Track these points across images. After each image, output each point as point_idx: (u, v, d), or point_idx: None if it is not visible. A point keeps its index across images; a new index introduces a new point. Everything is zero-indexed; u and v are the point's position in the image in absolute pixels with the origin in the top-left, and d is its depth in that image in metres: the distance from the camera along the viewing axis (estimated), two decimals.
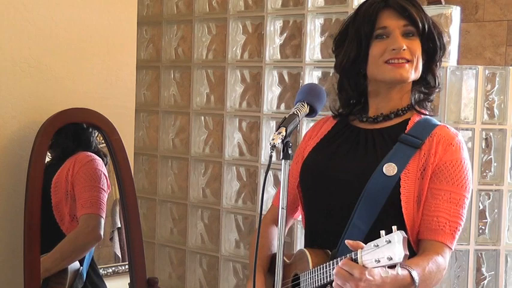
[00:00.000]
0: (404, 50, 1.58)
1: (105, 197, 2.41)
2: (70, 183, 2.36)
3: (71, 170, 2.36)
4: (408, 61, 1.59)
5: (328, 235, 1.60)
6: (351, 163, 1.61)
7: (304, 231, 1.78)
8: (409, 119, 1.64)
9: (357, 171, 1.58)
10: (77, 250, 2.41)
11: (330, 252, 1.56)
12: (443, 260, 1.52)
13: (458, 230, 1.56)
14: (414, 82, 1.65)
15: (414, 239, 1.57)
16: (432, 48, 1.64)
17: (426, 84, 1.67)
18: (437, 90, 1.68)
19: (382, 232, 1.30)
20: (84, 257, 2.41)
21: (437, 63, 1.67)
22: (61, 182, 2.35)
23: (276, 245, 1.76)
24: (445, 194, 1.55)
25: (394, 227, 1.29)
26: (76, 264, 2.40)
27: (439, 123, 1.64)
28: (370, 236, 1.49)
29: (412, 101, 1.66)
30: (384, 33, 1.60)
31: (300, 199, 1.75)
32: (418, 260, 1.48)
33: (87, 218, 2.37)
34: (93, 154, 2.45)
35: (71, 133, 2.41)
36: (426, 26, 1.61)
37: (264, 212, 2.75)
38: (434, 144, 1.57)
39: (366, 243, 1.40)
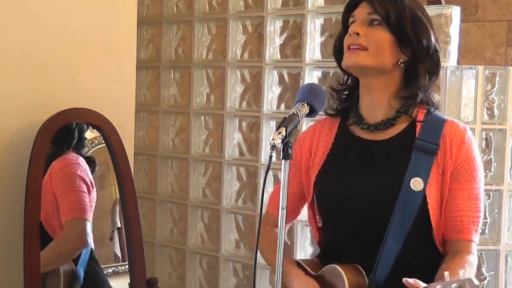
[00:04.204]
0: (356, 35, 1.58)
1: (86, 198, 2.38)
2: (52, 195, 2.35)
3: (49, 180, 2.35)
4: (364, 49, 1.57)
5: (356, 253, 1.59)
6: (374, 184, 1.59)
7: (318, 240, 1.76)
8: (415, 119, 1.61)
9: (383, 192, 1.57)
10: (62, 256, 2.41)
11: (362, 269, 1.55)
12: (473, 257, 1.56)
13: (480, 223, 1.59)
14: (403, 82, 1.62)
15: (440, 240, 1.59)
16: (405, 40, 1.59)
17: (411, 86, 1.62)
18: (420, 94, 1.61)
19: (446, 273, 1.28)
20: (79, 257, 2.40)
21: (425, 64, 1.61)
22: (45, 195, 2.32)
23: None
24: (463, 192, 1.57)
25: (461, 271, 1.28)
26: (70, 265, 2.39)
27: (445, 118, 1.63)
28: (402, 252, 1.52)
29: (401, 105, 1.62)
30: (353, 22, 1.62)
31: (317, 214, 1.74)
32: (457, 268, 1.46)
33: (71, 225, 2.36)
34: (72, 158, 2.42)
35: (60, 137, 2.39)
36: (393, 15, 1.58)
37: (264, 212, 2.76)
38: (448, 146, 1.57)
39: (399, 262, 1.48)
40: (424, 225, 1.56)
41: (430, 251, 1.59)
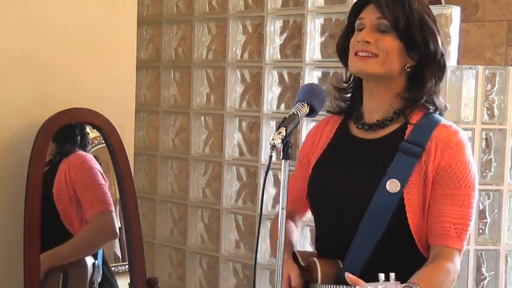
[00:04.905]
0: (366, 43, 1.56)
1: (107, 190, 2.46)
2: (71, 188, 2.38)
3: (68, 175, 2.38)
4: (374, 56, 1.56)
5: (335, 250, 1.59)
6: (353, 182, 1.59)
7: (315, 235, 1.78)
8: (408, 122, 1.60)
9: (359, 191, 1.56)
10: (91, 247, 2.46)
11: (341, 264, 1.56)
12: (452, 264, 1.51)
13: (466, 231, 1.54)
14: (408, 84, 1.61)
15: (424, 246, 1.57)
16: (413, 46, 1.58)
17: (416, 89, 1.61)
18: (425, 97, 1.61)
19: (381, 275, 1.29)
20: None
21: (433, 69, 1.61)
22: (62, 189, 2.37)
23: (295, 239, 1.76)
24: (446, 198, 1.53)
25: (392, 275, 1.29)
26: (91, 258, 2.45)
27: (441, 121, 1.61)
28: (378, 252, 1.52)
29: (401, 106, 1.62)
30: (361, 24, 1.61)
31: (310, 210, 1.75)
32: (425, 274, 1.47)
33: (99, 217, 2.42)
34: (87, 154, 2.48)
35: (64, 135, 2.41)
36: (402, 21, 1.56)
37: (264, 212, 2.77)
38: (433, 149, 1.54)
39: (372, 262, 1.48)
40: (403, 227, 1.54)
41: (411, 254, 1.56)
